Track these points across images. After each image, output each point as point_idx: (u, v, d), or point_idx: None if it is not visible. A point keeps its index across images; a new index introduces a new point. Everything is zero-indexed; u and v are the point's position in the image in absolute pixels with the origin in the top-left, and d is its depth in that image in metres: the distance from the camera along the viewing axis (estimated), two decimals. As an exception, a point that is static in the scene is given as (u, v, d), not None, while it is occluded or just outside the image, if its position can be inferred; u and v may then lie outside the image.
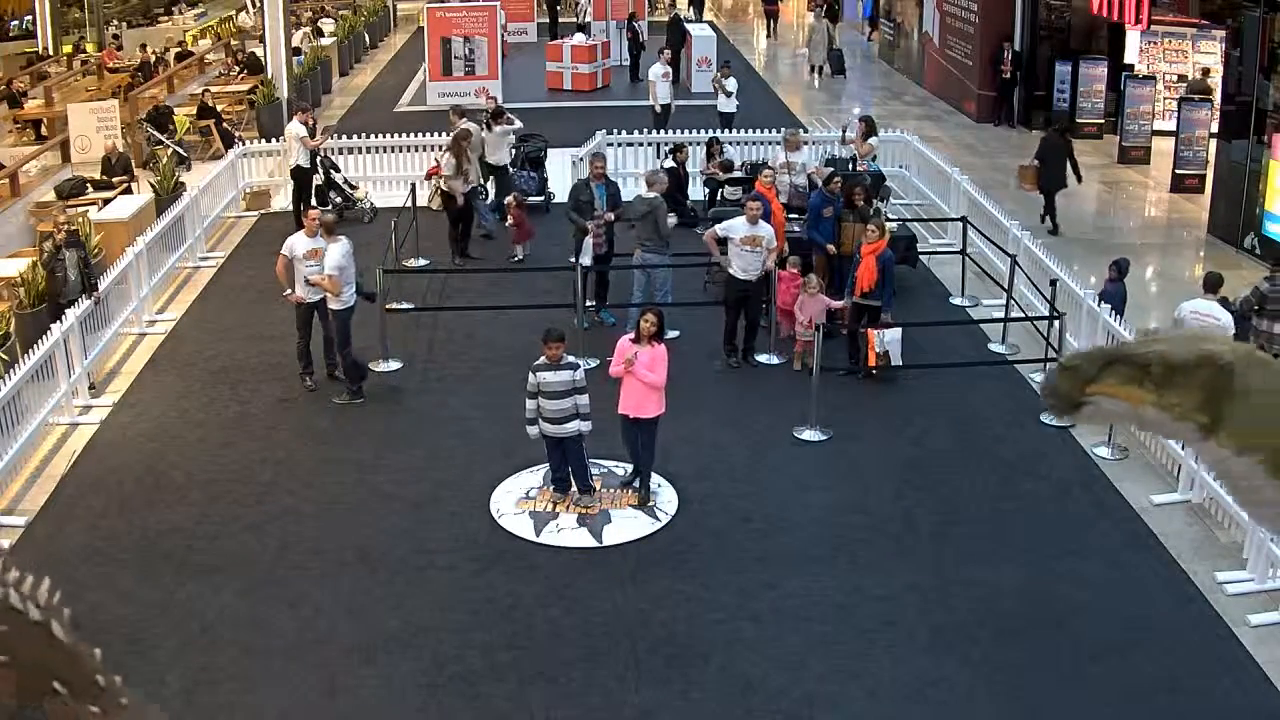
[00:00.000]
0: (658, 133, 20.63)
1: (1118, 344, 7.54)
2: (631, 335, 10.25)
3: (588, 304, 13.70)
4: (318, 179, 18.16)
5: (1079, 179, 17.77)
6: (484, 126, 17.86)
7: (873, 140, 17.35)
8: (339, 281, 12.01)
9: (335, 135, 20.07)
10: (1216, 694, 7.18)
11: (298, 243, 12.37)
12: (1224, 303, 11.44)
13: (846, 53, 31.37)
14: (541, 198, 18.50)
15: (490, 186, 18.30)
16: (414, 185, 17.36)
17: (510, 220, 16.48)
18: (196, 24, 37.51)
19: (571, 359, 10.14)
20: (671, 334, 13.31)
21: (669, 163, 17.42)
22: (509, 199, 16.78)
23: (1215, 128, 18.96)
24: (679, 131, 20.10)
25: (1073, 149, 17.81)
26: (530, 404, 10.11)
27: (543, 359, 10.02)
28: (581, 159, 18.59)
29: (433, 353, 13.69)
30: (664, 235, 13.71)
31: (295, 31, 29.39)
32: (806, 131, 20.55)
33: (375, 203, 18.66)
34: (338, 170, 18.72)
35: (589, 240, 13.65)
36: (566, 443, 10.20)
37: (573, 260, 13.91)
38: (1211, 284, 11.44)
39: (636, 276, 13.93)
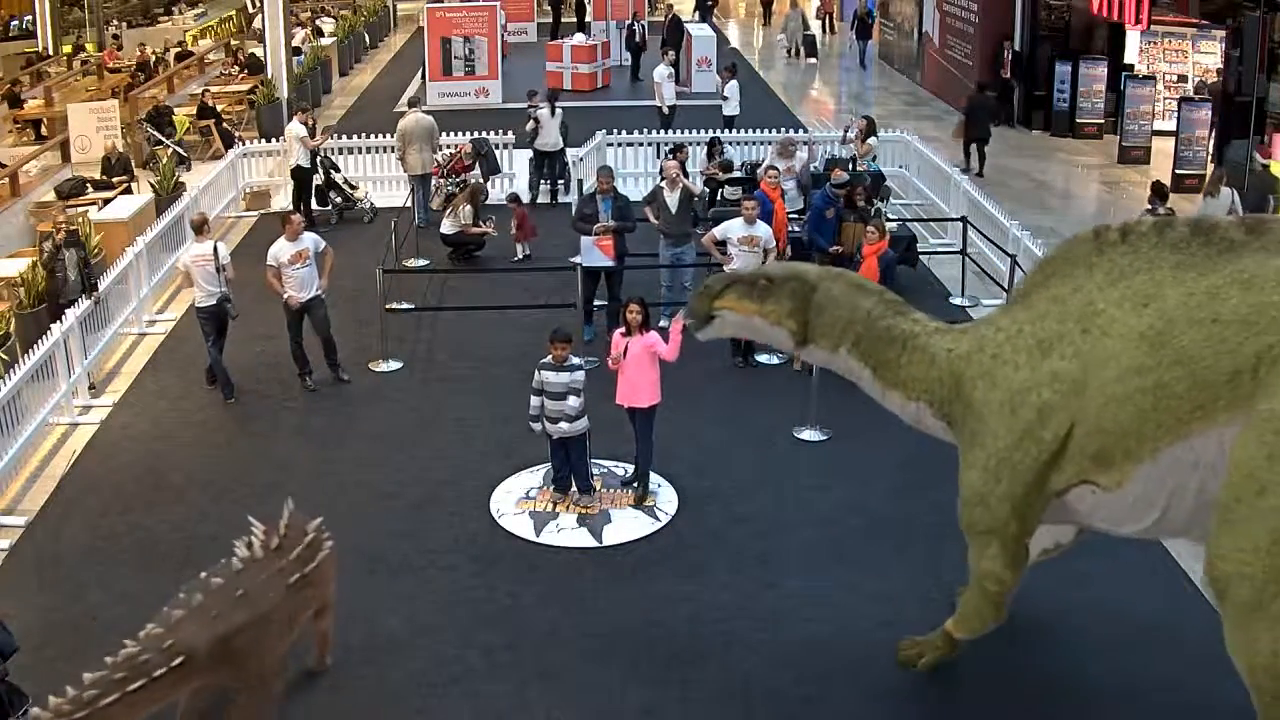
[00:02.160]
0: (663, 132, 20.63)
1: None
2: (622, 329, 10.26)
3: (594, 304, 13.62)
4: (318, 179, 18.18)
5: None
6: (551, 111, 18.94)
7: (871, 140, 17.37)
8: (190, 273, 12.23)
9: (335, 135, 20.08)
10: (1216, 694, 7.17)
11: (281, 249, 12.39)
12: None
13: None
14: (561, 180, 19.20)
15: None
16: (414, 185, 17.36)
17: (513, 220, 16.48)
18: (196, 24, 37.51)
19: (576, 360, 10.14)
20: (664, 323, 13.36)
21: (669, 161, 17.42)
22: (509, 198, 16.78)
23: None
24: (681, 132, 20.13)
25: (994, 106, 21.50)
26: (535, 400, 10.12)
27: (549, 358, 10.03)
28: (582, 159, 18.62)
29: (433, 353, 13.69)
30: (676, 215, 13.71)
31: (299, 31, 29.43)
32: (805, 132, 20.56)
33: (375, 203, 18.68)
34: (338, 170, 18.74)
35: (588, 240, 13.56)
36: (570, 442, 10.21)
37: (573, 260, 13.87)
38: None
39: (662, 272, 13.96)
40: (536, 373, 10.09)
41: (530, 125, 19.00)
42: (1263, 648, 6.43)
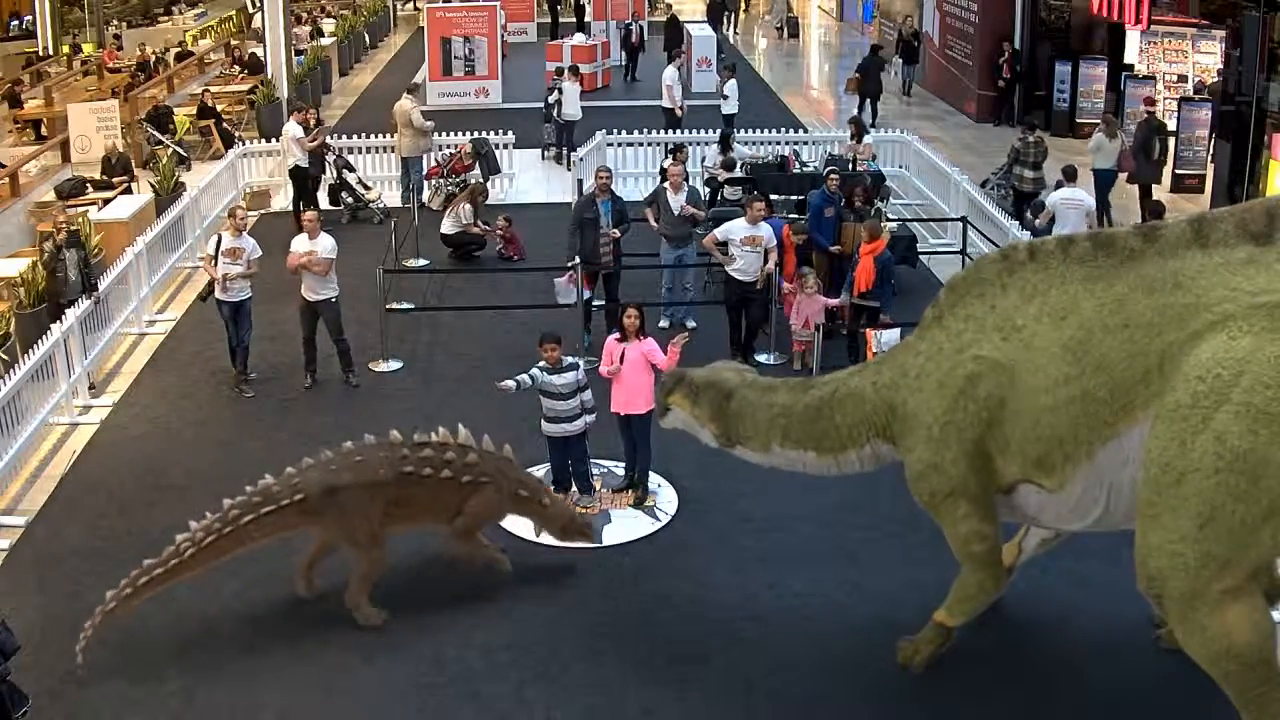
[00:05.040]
0: (670, 132, 20.64)
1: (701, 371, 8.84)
2: (618, 335, 10.25)
3: (592, 305, 13.58)
4: (330, 179, 18.22)
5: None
6: (577, 83, 21.47)
7: (868, 139, 17.43)
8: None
9: (335, 135, 20.07)
10: (1216, 694, 7.17)
11: (298, 244, 12.59)
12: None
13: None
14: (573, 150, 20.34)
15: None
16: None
17: (500, 240, 16.47)
18: (196, 24, 37.50)
19: (571, 359, 10.13)
20: (690, 324, 13.39)
21: (669, 163, 17.43)
22: (500, 220, 16.74)
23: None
24: (682, 131, 20.14)
25: (884, 65, 24.93)
26: (523, 376, 10.03)
27: (543, 361, 10.02)
28: (581, 159, 18.61)
29: (433, 353, 13.69)
30: (679, 216, 13.71)
31: (304, 28, 29.44)
32: (806, 131, 20.56)
33: (386, 204, 18.57)
34: (352, 170, 18.69)
35: (562, 281, 13.17)
36: (572, 441, 10.23)
37: (573, 259, 13.84)
38: (1070, 174, 14.78)
39: (664, 273, 14.03)
40: (537, 371, 10.07)
41: (554, 96, 20.64)
42: (1214, 632, 6.64)
